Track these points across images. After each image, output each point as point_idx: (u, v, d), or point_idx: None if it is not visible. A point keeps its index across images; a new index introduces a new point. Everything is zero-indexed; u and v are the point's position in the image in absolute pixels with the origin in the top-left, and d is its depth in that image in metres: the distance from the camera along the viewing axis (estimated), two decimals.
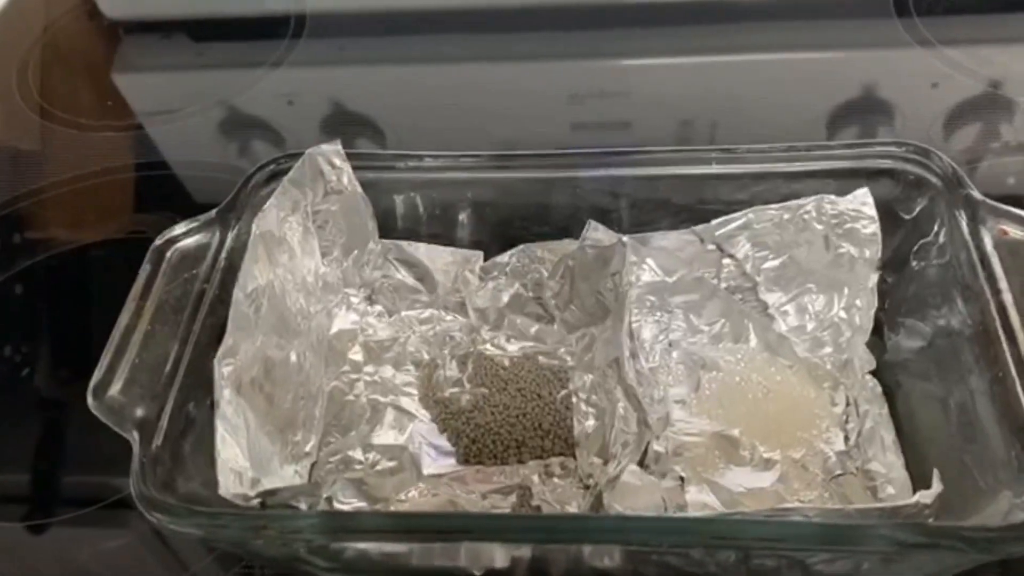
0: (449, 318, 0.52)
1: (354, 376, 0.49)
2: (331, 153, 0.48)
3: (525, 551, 0.38)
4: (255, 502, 0.37)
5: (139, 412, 0.38)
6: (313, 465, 0.46)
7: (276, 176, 0.47)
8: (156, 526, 0.35)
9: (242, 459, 0.38)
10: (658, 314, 0.50)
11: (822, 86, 0.68)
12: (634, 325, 0.48)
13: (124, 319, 0.41)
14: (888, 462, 0.43)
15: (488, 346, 0.51)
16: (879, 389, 0.46)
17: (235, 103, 0.71)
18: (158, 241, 0.44)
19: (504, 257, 0.51)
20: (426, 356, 0.50)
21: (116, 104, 0.73)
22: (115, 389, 0.39)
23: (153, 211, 0.62)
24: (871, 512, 0.36)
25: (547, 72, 0.74)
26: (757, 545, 0.34)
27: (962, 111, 0.64)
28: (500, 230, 0.51)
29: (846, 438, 0.45)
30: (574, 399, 0.47)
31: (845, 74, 0.68)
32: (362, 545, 0.38)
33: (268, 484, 0.39)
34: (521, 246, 0.51)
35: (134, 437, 0.37)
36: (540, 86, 0.72)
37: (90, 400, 0.38)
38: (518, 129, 0.66)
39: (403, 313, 0.52)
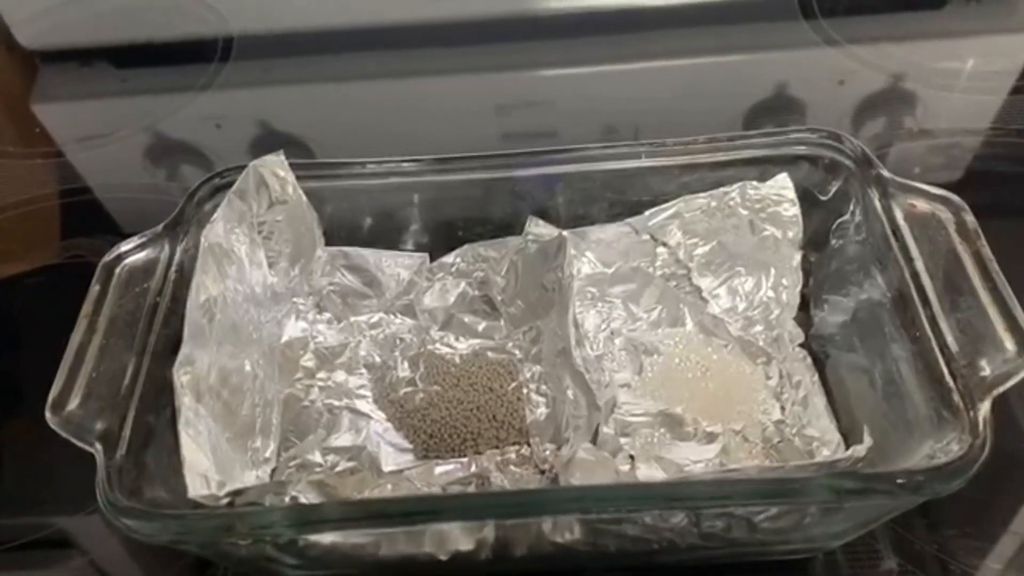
0: (398, 321, 0.53)
1: (308, 383, 0.50)
2: (274, 164, 0.49)
3: (488, 532, 0.39)
4: (224, 502, 0.37)
5: (100, 424, 0.39)
6: (273, 471, 0.46)
7: (220, 190, 0.48)
8: (125, 532, 0.36)
9: (207, 463, 0.39)
10: (599, 305, 0.52)
11: (737, 87, 0.71)
12: (577, 316, 0.50)
13: (77, 335, 0.41)
14: (822, 426, 0.45)
15: (438, 345, 0.52)
16: (809, 359, 0.48)
17: (162, 129, 0.70)
18: (107, 258, 0.44)
19: (449, 258, 0.53)
20: (378, 359, 0.51)
21: (39, 132, 0.71)
22: (73, 404, 0.39)
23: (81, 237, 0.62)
24: (808, 468, 0.38)
25: (474, 85, 0.75)
26: (707, 504, 0.35)
27: (868, 105, 0.68)
28: (444, 232, 0.53)
29: (782, 408, 0.47)
30: (524, 390, 0.49)
31: (758, 75, 0.72)
32: (328, 541, 0.39)
33: (233, 487, 0.39)
34: (465, 246, 0.53)
35: (97, 449, 0.38)
36: (468, 99, 0.73)
37: (48, 415, 0.38)
38: (449, 143, 0.67)
39: (352, 319, 0.52)
